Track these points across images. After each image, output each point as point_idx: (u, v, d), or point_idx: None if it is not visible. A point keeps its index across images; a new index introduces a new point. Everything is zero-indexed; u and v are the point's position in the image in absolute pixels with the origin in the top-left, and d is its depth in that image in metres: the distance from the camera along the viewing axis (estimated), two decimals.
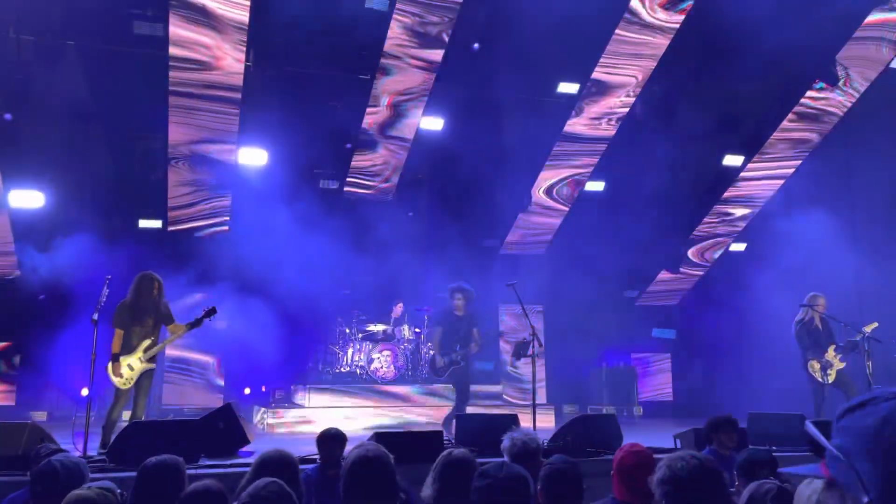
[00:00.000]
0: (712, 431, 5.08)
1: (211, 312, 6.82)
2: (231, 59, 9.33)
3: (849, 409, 0.99)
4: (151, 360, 6.70)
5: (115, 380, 6.53)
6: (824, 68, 10.71)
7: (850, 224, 11.25)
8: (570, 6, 8.84)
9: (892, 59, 10.82)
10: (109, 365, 6.54)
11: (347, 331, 10.62)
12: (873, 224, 11.33)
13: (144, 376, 6.65)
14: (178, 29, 8.90)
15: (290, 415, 9.56)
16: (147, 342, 6.66)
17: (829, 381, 8.41)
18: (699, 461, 2.10)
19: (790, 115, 11.43)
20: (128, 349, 6.59)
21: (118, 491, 2.74)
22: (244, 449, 6.46)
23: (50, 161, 9.88)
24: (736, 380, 11.91)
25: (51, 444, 5.05)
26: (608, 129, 11.34)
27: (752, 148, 12.00)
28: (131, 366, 6.58)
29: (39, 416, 9.45)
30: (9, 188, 9.80)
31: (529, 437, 3.67)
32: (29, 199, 9.93)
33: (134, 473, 3.18)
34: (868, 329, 8.20)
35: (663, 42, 10.27)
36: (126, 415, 6.89)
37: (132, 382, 6.59)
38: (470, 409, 8.36)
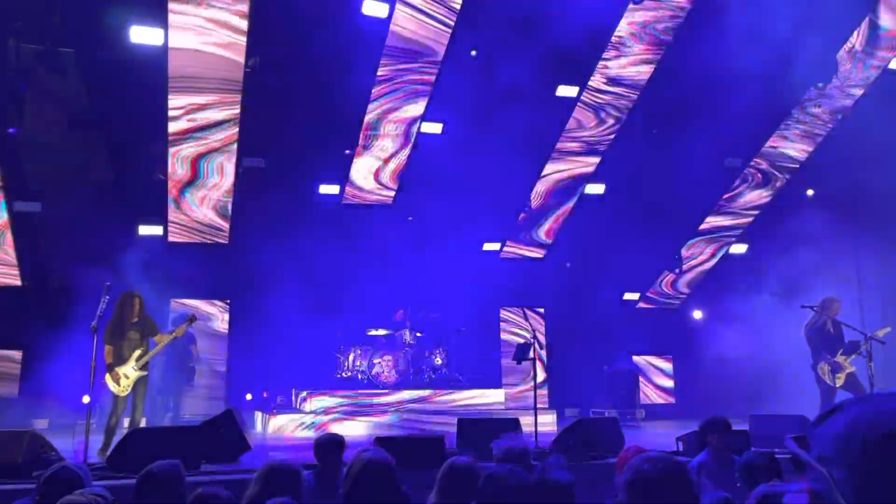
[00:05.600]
0: (706, 434, 5.03)
1: (192, 320, 7.62)
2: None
3: (822, 416, 0.99)
4: (143, 367, 7.32)
5: (114, 388, 7.14)
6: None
7: (857, 225, 11.17)
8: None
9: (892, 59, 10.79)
10: (107, 375, 7.12)
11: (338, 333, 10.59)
12: (883, 226, 11.21)
13: (139, 383, 7.27)
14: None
15: (291, 420, 9.51)
16: (138, 352, 7.28)
17: (839, 385, 8.41)
18: (665, 462, 2.10)
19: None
20: (120, 361, 7.19)
21: (110, 498, 2.72)
22: (245, 455, 6.45)
23: (50, 169, 9.87)
24: (740, 382, 11.86)
25: (54, 454, 5.06)
26: (608, 130, 11.37)
27: (750, 150, 11.98)
28: (126, 375, 7.20)
29: (41, 424, 9.42)
30: (10, 196, 9.80)
31: (514, 443, 3.74)
32: (29, 207, 9.92)
33: (133, 481, 3.16)
34: (881, 333, 8.15)
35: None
36: (126, 421, 7.31)
37: (129, 389, 7.21)
38: (472, 415, 8.37)
